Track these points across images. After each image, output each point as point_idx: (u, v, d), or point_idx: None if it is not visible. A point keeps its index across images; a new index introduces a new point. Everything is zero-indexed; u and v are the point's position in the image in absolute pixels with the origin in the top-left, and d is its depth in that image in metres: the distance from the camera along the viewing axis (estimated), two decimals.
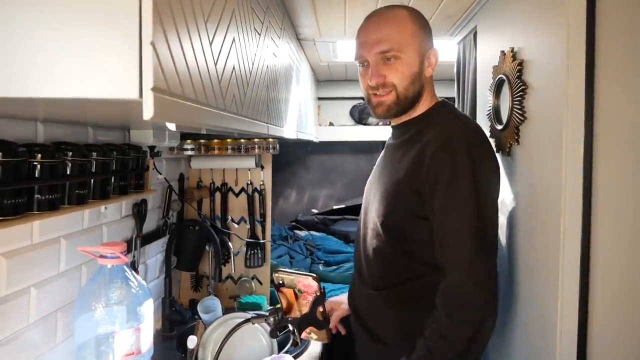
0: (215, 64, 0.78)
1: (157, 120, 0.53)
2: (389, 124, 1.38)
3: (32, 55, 0.51)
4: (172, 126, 0.75)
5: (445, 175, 1.11)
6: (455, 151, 1.12)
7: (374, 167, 1.46)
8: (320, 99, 3.47)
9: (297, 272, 1.18)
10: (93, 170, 1.14)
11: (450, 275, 1.12)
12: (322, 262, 2.80)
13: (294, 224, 3.54)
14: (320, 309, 1.15)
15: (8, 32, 0.51)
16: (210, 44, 0.75)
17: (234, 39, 0.90)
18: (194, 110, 0.66)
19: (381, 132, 3.36)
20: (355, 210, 3.61)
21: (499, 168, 1.23)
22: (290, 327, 1.15)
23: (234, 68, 0.91)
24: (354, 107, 3.49)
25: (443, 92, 2.83)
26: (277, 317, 1.16)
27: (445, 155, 1.12)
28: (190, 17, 0.65)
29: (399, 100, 1.22)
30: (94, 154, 1.14)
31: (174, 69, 0.58)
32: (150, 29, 0.51)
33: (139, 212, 1.58)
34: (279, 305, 1.20)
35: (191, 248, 1.99)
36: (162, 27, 0.54)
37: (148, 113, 0.51)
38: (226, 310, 1.92)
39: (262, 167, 2.16)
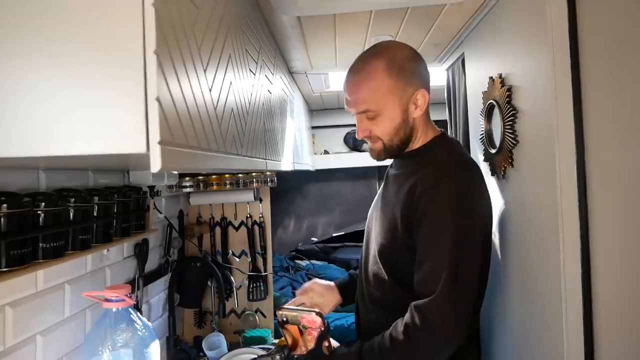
0: (215, 109, 0.80)
1: (164, 171, 0.55)
2: None
3: (40, 115, 0.53)
4: (174, 171, 0.77)
5: (432, 210, 1.16)
6: (443, 188, 1.17)
7: (377, 194, 1.48)
8: (314, 127, 3.51)
9: (300, 308, 1.20)
10: (95, 214, 1.16)
11: (421, 300, 1.15)
12: None
13: (295, 253, 3.53)
14: (326, 343, 1.15)
15: (17, 93, 0.54)
16: (210, 90, 0.77)
17: (231, 83, 0.93)
18: (197, 157, 0.68)
19: None
20: (355, 236, 3.62)
21: (489, 204, 1.25)
22: None
23: (232, 110, 0.94)
24: (348, 134, 3.53)
25: (434, 115, 2.89)
26: (283, 355, 1.16)
27: (434, 192, 1.17)
28: (190, 68, 0.68)
29: (387, 148, 1.28)
30: (96, 198, 1.15)
31: (178, 119, 0.61)
32: (154, 85, 0.53)
33: (141, 252, 1.58)
34: (284, 342, 1.20)
35: (193, 284, 1.99)
36: (166, 81, 0.57)
37: (156, 166, 0.52)
38: (231, 346, 1.91)
39: (261, 200, 2.18)
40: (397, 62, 1.21)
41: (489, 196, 1.27)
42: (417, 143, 1.31)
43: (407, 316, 1.16)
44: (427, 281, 1.15)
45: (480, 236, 1.20)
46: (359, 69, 1.24)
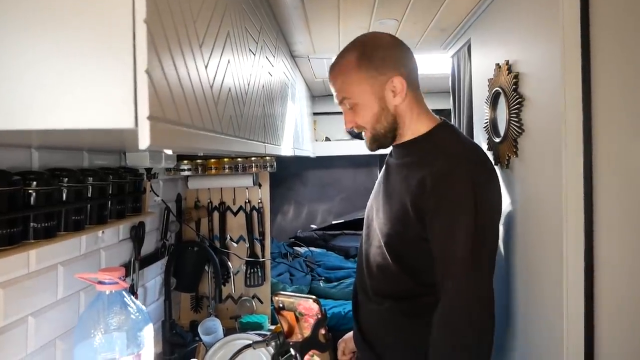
0: (211, 87, 0.77)
1: (154, 148, 0.52)
2: None
3: (26, 87, 0.50)
4: (168, 150, 0.74)
5: (447, 199, 1.13)
6: (458, 175, 1.14)
7: (376, 183, 1.45)
8: (316, 114, 3.47)
9: (297, 295, 1.17)
10: (89, 195, 1.13)
11: (446, 297, 1.13)
12: (323, 278, 2.78)
13: (293, 240, 3.52)
14: (323, 331, 1.13)
15: (2, 64, 0.51)
16: (206, 67, 0.74)
17: (229, 61, 0.90)
18: (190, 135, 0.65)
19: None
20: (354, 224, 3.60)
21: (500, 189, 1.23)
22: (292, 352, 1.13)
23: (229, 90, 0.90)
24: None
25: (438, 104, 2.85)
26: (278, 342, 1.14)
27: (448, 180, 1.14)
28: (185, 42, 0.65)
29: (375, 137, 1.29)
30: (90, 178, 1.13)
31: (170, 95, 0.58)
32: (145, 57, 0.50)
33: (137, 235, 1.56)
34: (280, 329, 1.18)
35: (190, 269, 1.97)
36: (157, 53, 0.54)
37: (144, 142, 0.50)
38: (227, 331, 1.90)
39: (260, 185, 2.15)
40: (367, 52, 1.24)
41: (499, 182, 1.23)
42: (411, 131, 1.27)
43: (434, 328, 1.15)
44: (446, 276, 1.14)
45: (496, 221, 1.19)
46: (334, 63, 1.31)
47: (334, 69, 1.30)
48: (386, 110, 1.25)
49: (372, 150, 1.34)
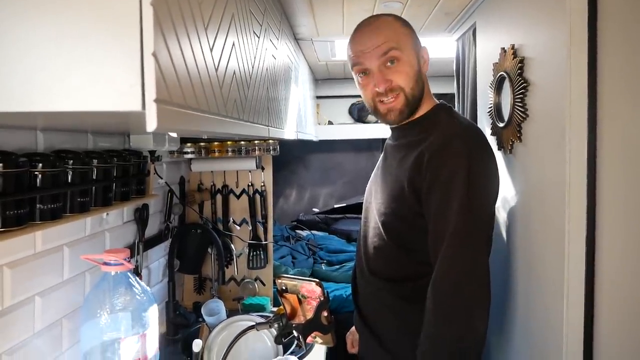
0: (216, 70, 0.77)
1: (160, 131, 0.52)
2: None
3: (33, 69, 0.51)
4: (172, 133, 0.75)
5: (442, 176, 1.12)
6: (453, 153, 1.13)
7: (376, 167, 1.46)
8: (319, 97, 3.46)
9: (300, 277, 1.18)
10: (94, 177, 1.14)
11: (438, 268, 1.12)
12: (325, 261, 2.80)
13: (296, 223, 3.53)
14: (325, 313, 1.14)
15: (9, 46, 0.51)
16: (211, 50, 0.74)
17: (233, 44, 0.90)
18: (196, 119, 0.65)
19: (381, 130, 3.35)
20: (356, 208, 3.61)
21: (497, 170, 1.22)
22: (295, 333, 1.15)
23: (234, 73, 0.90)
24: (353, 105, 3.47)
25: (442, 88, 2.83)
26: (281, 323, 1.16)
27: (443, 157, 1.14)
28: (190, 24, 0.64)
29: (408, 102, 1.23)
30: (95, 161, 1.13)
31: (176, 78, 0.58)
32: (151, 40, 0.50)
33: (141, 217, 1.57)
34: (283, 311, 1.19)
35: (193, 251, 1.99)
36: (163, 36, 0.54)
37: (151, 124, 0.50)
38: (230, 313, 1.92)
39: (263, 168, 2.16)
40: (404, 20, 1.28)
41: (495, 162, 1.23)
42: (420, 110, 1.28)
43: (427, 303, 1.14)
44: (438, 251, 1.13)
45: (490, 199, 1.19)
46: (373, 20, 1.27)
47: (376, 22, 1.25)
48: (420, 74, 1.25)
49: (396, 121, 1.27)
